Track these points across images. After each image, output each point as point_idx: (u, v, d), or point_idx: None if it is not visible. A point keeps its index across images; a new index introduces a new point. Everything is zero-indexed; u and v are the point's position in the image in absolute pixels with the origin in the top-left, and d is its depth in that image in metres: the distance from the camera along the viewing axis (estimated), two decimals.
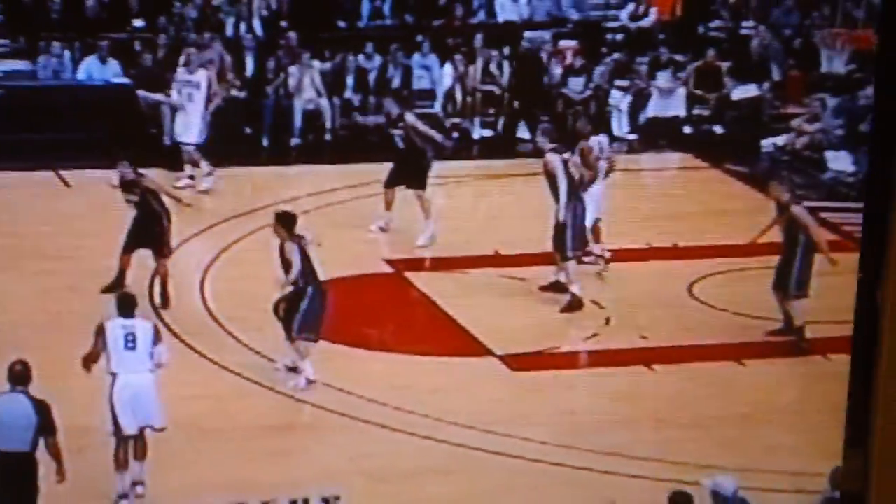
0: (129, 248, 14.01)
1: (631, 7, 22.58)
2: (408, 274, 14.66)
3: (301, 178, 18.43)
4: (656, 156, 20.47)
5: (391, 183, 15.58)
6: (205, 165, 17.38)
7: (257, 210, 16.65)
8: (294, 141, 19.90)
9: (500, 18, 22.24)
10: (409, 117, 15.82)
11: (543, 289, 14.07)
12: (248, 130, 20.04)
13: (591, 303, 14.00)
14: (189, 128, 17.35)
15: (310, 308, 12.07)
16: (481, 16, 22.18)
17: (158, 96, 19.08)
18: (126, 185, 13.98)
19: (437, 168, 15.88)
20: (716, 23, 22.88)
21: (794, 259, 13.25)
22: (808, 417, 12.06)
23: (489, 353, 13.05)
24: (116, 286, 13.47)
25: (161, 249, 13.90)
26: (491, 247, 15.12)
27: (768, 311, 14.08)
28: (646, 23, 22.49)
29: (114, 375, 10.22)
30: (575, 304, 13.80)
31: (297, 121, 19.93)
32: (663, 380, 12.77)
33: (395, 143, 16.24)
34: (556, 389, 12.48)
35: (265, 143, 19.91)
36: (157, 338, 10.45)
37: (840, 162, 19.69)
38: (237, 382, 12.26)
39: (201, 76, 17.45)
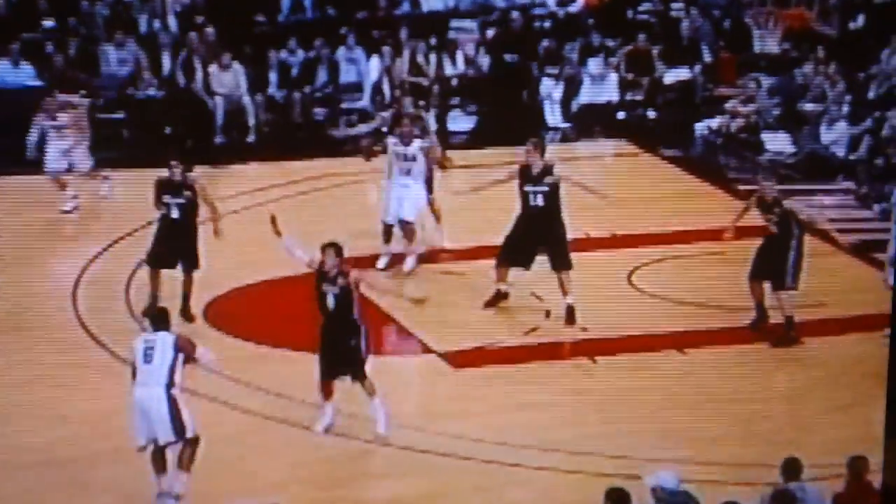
0: (161, 262, 13.79)
1: None
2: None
3: (227, 178, 18.47)
4: (591, 143, 20.74)
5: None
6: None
7: None
8: (218, 139, 19.97)
9: (425, 8, 22.41)
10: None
11: (487, 304, 14.19)
12: (168, 130, 20.08)
13: (531, 295, 14.21)
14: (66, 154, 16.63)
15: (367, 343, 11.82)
16: (406, 6, 22.34)
17: (73, 98, 19.05)
18: (169, 187, 13.76)
19: (366, 164, 15.99)
20: (645, 6, 23.17)
21: (788, 251, 13.50)
22: (754, 407, 12.37)
23: (429, 350, 13.22)
24: (154, 306, 13.40)
25: (195, 262, 13.69)
26: (426, 241, 15.29)
27: (709, 299, 14.41)
28: (574, 8, 22.75)
29: (133, 385, 10.74)
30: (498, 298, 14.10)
31: (219, 119, 20.00)
32: (606, 372, 13.04)
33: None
34: (498, 385, 12.70)
35: (187, 143, 19.96)
36: (178, 348, 10.66)
37: (778, 143, 20.07)
38: None
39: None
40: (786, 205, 13.63)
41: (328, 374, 11.63)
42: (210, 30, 20.47)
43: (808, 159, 19.37)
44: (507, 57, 21.28)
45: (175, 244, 13.74)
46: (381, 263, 14.85)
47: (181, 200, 13.77)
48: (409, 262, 14.92)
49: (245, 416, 11.86)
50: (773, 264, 13.55)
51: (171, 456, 10.78)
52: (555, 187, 14.10)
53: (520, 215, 14.23)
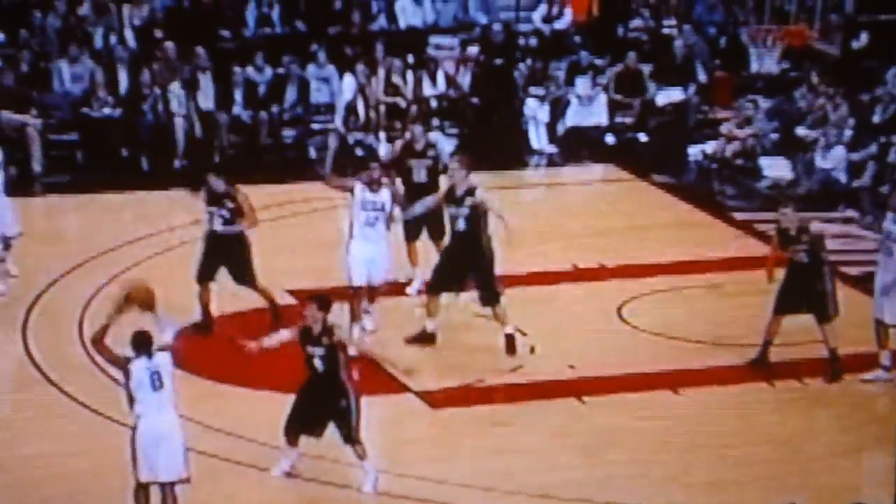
0: (208, 275, 14.13)
1: (543, 8, 22.92)
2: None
3: (186, 205, 18.42)
4: (578, 168, 20.80)
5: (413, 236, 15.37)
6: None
7: (139, 240, 16.72)
8: (177, 163, 19.95)
9: (402, 24, 22.47)
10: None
11: (410, 341, 14.07)
12: (124, 153, 20.05)
13: (515, 330, 14.21)
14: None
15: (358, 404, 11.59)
16: (382, 22, 22.40)
17: (24, 118, 19.06)
18: (214, 199, 14.07)
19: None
20: (635, 22, 23.28)
21: (823, 278, 13.51)
22: (754, 450, 12.37)
23: (406, 389, 13.20)
24: (206, 323, 14.05)
25: (247, 273, 14.03)
26: (404, 273, 15.28)
27: (705, 334, 14.42)
28: (561, 25, 22.84)
29: (139, 417, 10.54)
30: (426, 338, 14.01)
31: (180, 141, 19.99)
32: (594, 412, 13.01)
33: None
34: (480, 427, 12.66)
35: (144, 166, 19.95)
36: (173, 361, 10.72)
37: (776, 169, 20.15)
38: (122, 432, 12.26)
39: None
40: (813, 230, 13.62)
41: (304, 430, 11.55)
42: (170, 45, 20.47)
43: (810, 187, 19.47)
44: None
45: (221, 256, 14.12)
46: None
47: (224, 213, 14.08)
48: (369, 323, 14.23)
49: (208, 459, 11.78)
50: (811, 296, 13.52)
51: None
52: (476, 210, 13.90)
53: (449, 240, 14.34)
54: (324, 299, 11.54)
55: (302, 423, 11.54)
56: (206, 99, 20.15)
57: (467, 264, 13.99)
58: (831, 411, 13.14)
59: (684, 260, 16.44)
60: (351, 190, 14.05)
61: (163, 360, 10.65)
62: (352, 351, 13.35)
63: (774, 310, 13.60)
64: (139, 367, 10.54)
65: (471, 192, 13.99)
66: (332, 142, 19.65)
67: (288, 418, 11.55)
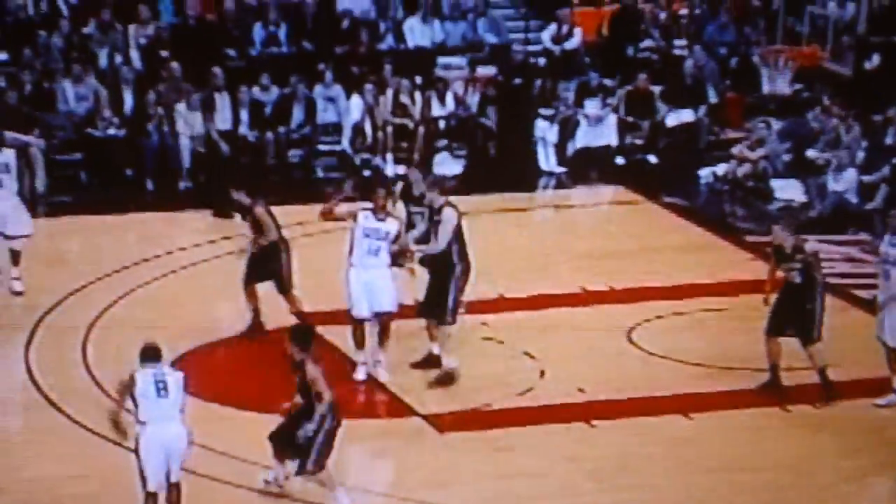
0: (248, 282, 14.54)
1: (553, 28, 22.97)
2: (319, 328, 14.75)
3: (192, 226, 18.49)
4: (587, 190, 20.82)
5: None
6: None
7: (144, 262, 16.75)
8: (183, 184, 19.99)
9: (411, 44, 22.53)
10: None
11: (415, 366, 13.99)
12: (129, 173, 20.10)
13: (524, 354, 14.21)
14: (13, 219, 15.64)
15: (328, 436, 11.29)
16: (389, 41, 22.45)
17: (27, 138, 19.09)
18: (242, 212, 14.57)
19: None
20: (646, 43, 23.33)
21: (814, 301, 13.53)
22: (764, 475, 12.35)
23: (413, 412, 13.20)
24: (257, 326, 14.40)
25: (280, 284, 14.40)
26: (410, 295, 15.27)
27: (715, 358, 14.41)
28: (570, 45, 22.89)
29: (143, 424, 10.68)
30: (447, 379, 13.78)
31: (186, 162, 20.04)
32: (604, 436, 13.01)
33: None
34: (489, 451, 12.65)
35: (149, 186, 20.01)
36: (186, 387, 10.89)
37: (788, 191, 20.16)
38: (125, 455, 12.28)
39: (8, 154, 15.75)
40: (808, 250, 13.62)
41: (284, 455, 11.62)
42: (175, 65, 20.54)
43: (822, 209, 19.48)
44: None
45: (260, 267, 14.51)
46: (359, 375, 13.72)
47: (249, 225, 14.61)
48: (383, 374, 13.78)
49: (213, 483, 11.80)
50: (799, 317, 13.54)
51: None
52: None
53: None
54: (300, 337, 11.36)
55: (283, 453, 11.54)
56: (224, 120, 20.15)
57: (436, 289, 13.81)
58: (841, 436, 13.12)
59: (695, 283, 16.44)
60: (354, 216, 13.71)
61: (172, 373, 10.86)
62: (360, 376, 13.37)
63: (766, 329, 13.65)
64: (144, 375, 10.72)
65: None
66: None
67: (275, 434, 11.56)
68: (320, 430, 11.17)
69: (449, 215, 13.67)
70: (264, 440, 11.60)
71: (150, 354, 10.89)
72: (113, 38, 21.27)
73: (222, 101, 20.18)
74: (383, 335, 13.82)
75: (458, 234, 13.73)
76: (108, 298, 15.66)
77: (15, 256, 15.78)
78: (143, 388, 10.69)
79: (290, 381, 11.53)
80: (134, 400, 10.73)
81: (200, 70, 20.61)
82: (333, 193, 14.69)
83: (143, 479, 10.71)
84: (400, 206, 14.52)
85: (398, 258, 13.80)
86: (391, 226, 13.61)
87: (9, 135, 18.44)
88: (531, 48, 22.86)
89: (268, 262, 14.47)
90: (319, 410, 11.15)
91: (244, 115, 20.57)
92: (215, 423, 12.76)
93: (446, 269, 13.72)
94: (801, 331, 13.52)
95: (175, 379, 10.83)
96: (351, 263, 13.69)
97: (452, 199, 14.10)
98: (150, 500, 10.76)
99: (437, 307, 13.73)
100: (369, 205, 13.69)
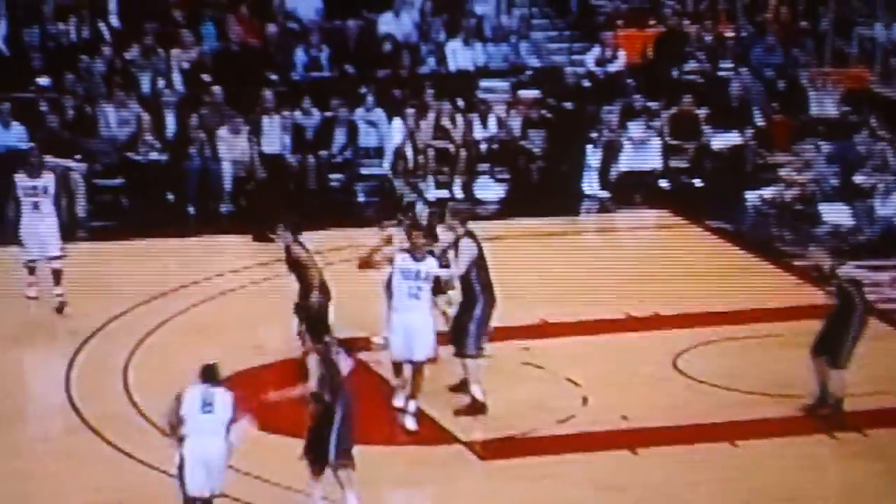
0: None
1: (597, 51, 22.98)
2: (361, 355, 14.79)
3: (233, 250, 18.56)
4: (631, 214, 20.79)
5: None
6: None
7: (185, 288, 16.83)
8: (224, 208, 20.08)
9: (452, 67, 22.58)
10: None
11: (453, 389, 14.03)
12: (170, 197, 20.21)
13: (567, 381, 14.18)
14: (46, 242, 16.23)
15: (343, 428, 11.65)
16: (431, 64, 22.51)
17: (67, 162, 19.25)
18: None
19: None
20: (691, 65, 23.30)
21: (848, 326, 13.50)
22: None
23: (455, 440, 13.19)
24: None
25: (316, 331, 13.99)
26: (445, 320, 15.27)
27: (763, 385, 14.34)
28: (614, 67, 22.88)
29: (185, 438, 11.13)
30: (477, 409, 13.76)
31: (227, 185, 20.13)
32: (649, 465, 12.96)
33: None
34: (530, 479, 12.63)
35: (191, 210, 20.11)
36: (235, 412, 11.25)
37: (836, 215, 20.06)
38: (165, 482, 12.32)
39: (48, 179, 16.35)
40: (841, 275, 13.60)
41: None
42: (217, 89, 20.65)
43: (870, 234, 19.38)
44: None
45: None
46: (397, 402, 13.66)
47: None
48: (410, 422, 13.52)
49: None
50: (832, 339, 13.54)
51: None
52: None
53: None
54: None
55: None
56: (271, 143, 20.18)
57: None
58: (892, 464, 13.02)
59: (742, 309, 16.36)
60: (391, 260, 13.52)
61: (222, 393, 11.21)
62: (399, 402, 13.33)
63: (810, 350, 13.62)
64: (193, 391, 11.19)
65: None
66: None
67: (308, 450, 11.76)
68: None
69: (466, 245, 13.61)
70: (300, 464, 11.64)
71: (206, 374, 11.31)
72: (155, 63, 21.38)
73: (271, 124, 20.20)
74: (415, 383, 13.49)
75: (479, 264, 13.67)
76: (150, 324, 15.75)
77: (56, 276, 16.15)
78: (189, 404, 11.15)
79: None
80: (180, 417, 11.15)
81: (242, 94, 20.73)
82: (377, 246, 14.44)
83: (182, 486, 11.09)
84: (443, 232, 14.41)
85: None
86: (429, 265, 13.33)
87: (49, 160, 18.71)
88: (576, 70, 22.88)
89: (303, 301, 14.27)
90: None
91: (286, 139, 20.65)
92: (257, 449, 12.78)
93: (469, 300, 13.70)
94: (830, 352, 13.50)
95: (223, 398, 11.19)
96: (393, 308, 13.48)
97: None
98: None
99: (458, 340, 13.68)
100: (405, 245, 13.52)
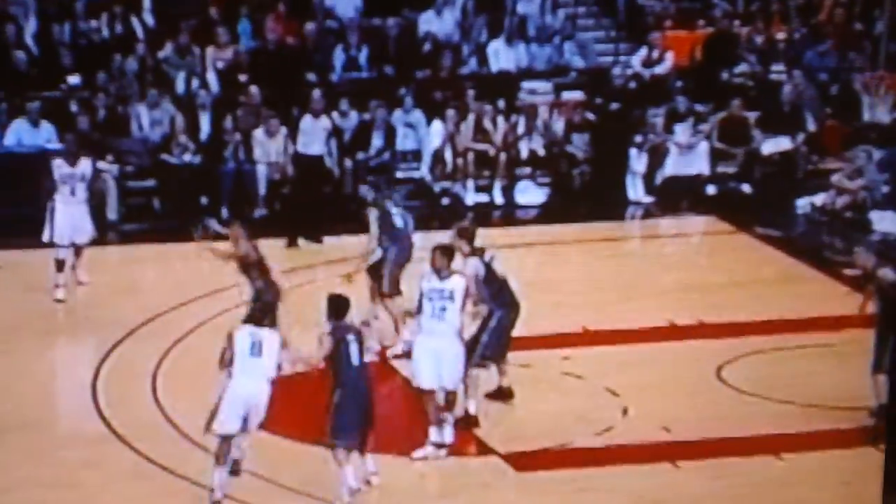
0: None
1: (643, 52, 22.89)
2: (394, 362, 14.78)
3: (267, 255, 18.52)
4: (677, 220, 20.70)
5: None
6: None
7: (217, 292, 16.82)
8: (258, 212, 20.08)
9: (494, 68, 22.53)
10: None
11: (489, 396, 13.98)
12: (203, 201, 20.23)
13: (606, 391, 14.11)
14: (80, 227, 16.86)
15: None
16: (472, 65, 22.47)
17: (100, 164, 19.29)
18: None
19: (427, 239, 16.00)
20: (741, 67, 23.19)
21: (885, 331, 13.43)
22: None
23: (491, 451, 13.14)
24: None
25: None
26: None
27: (810, 397, 14.23)
28: (661, 69, 22.79)
29: (231, 376, 11.90)
30: (469, 423, 13.67)
31: (261, 189, 20.14)
32: (690, 478, 12.86)
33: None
34: (567, 492, 12.56)
35: (224, 214, 20.12)
36: (282, 348, 12.13)
37: (887, 223, 19.92)
38: (198, 493, 12.32)
39: (85, 166, 16.99)
40: (880, 276, 13.53)
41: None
42: (254, 89, 20.67)
43: None
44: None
45: None
46: (434, 436, 13.07)
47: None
48: (448, 433, 13.13)
49: None
50: (875, 344, 13.48)
51: None
52: None
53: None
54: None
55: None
56: (313, 144, 19.58)
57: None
58: None
59: (790, 318, 16.26)
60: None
61: (270, 336, 11.99)
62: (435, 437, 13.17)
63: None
64: (242, 333, 11.97)
65: None
66: None
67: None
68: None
69: (470, 265, 13.53)
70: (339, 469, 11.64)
71: (254, 318, 12.34)
72: (190, 62, 21.42)
73: (315, 125, 20.04)
74: (449, 403, 13.24)
75: (489, 280, 13.62)
76: (182, 329, 15.78)
77: (78, 252, 16.92)
78: (240, 345, 11.88)
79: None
80: (231, 356, 11.88)
81: (280, 95, 20.73)
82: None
83: (217, 422, 11.79)
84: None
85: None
86: (455, 283, 12.97)
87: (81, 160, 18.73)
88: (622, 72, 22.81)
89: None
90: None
91: (331, 142, 20.59)
92: (283, 457, 12.79)
93: (486, 316, 13.68)
94: (874, 356, 13.43)
95: (271, 341, 11.94)
96: (419, 330, 13.20)
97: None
98: (224, 443, 11.88)
99: (469, 350, 13.44)
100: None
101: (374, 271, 15.35)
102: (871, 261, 13.63)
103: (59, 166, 16.80)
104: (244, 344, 11.92)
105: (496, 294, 13.73)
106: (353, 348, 12.00)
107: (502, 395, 14.03)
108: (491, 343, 13.71)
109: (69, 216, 16.73)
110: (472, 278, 13.30)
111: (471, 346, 13.48)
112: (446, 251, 13.22)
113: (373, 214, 15.32)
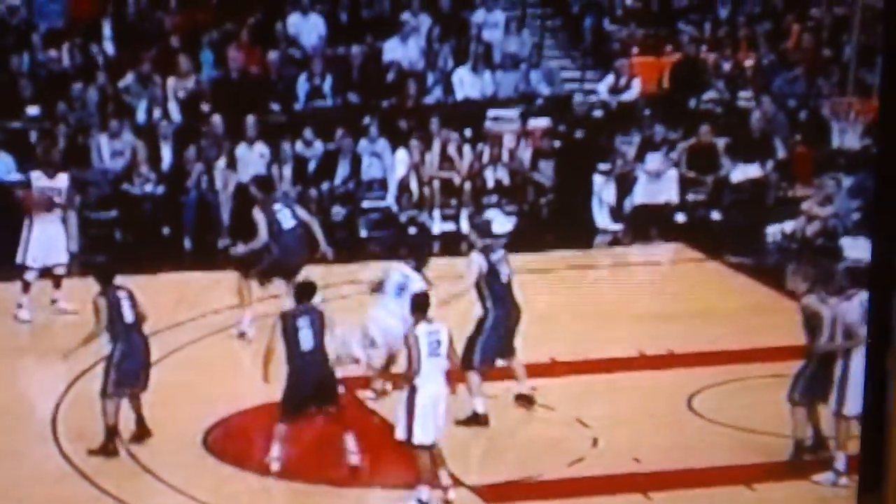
0: None
1: (610, 79, 22.98)
2: (359, 392, 14.75)
3: (231, 286, 18.49)
4: (646, 248, 20.75)
5: None
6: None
7: (179, 325, 16.78)
8: (222, 242, 20.05)
9: (459, 96, 22.58)
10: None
11: (460, 423, 13.95)
12: (166, 231, 20.20)
13: (577, 421, 14.11)
14: (54, 248, 16.94)
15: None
16: (437, 94, 22.52)
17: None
18: None
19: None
20: (709, 94, 23.29)
21: (808, 357, 13.50)
22: None
23: (460, 483, 13.12)
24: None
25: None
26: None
27: (782, 427, 14.22)
28: (628, 96, 22.89)
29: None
30: (479, 422, 13.92)
31: (225, 219, 20.11)
32: None
33: None
34: None
35: (187, 245, 20.09)
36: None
37: (859, 250, 19.98)
38: None
39: (63, 180, 17.09)
40: (803, 303, 13.58)
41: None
42: (217, 119, 20.66)
43: None
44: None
45: None
46: (423, 495, 12.56)
47: None
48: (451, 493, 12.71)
49: None
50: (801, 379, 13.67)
51: None
52: None
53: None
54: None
55: None
56: (248, 171, 19.89)
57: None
58: None
59: (761, 347, 16.28)
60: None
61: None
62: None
63: None
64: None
65: None
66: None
67: None
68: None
69: (474, 259, 14.05)
70: None
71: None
72: (151, 91, 21.41)
73: (250, 152, 20.08)
74: (441, 461, 12.75)
75: (489, 279, 13.99)
76: None
77: (57, 282, 16.95)
78: (420, 342, 12.13)
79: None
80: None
81: (243, 124, 20.74)
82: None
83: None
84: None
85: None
86: (441, 327, 12.58)
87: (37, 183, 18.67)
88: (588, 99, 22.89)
89: None
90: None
91: (287, 170, 20.64)
92: (252, 493, 12.74)
93: (482, 315, 14.03)
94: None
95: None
96: (415, 377, 12.53)
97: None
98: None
99: (466, 352, 13.77)
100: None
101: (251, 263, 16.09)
102: (802, 286, 13.61)
103: (38, 178, 16.85)
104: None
105: (496, 295, 13.99)
106: (304, 333, 12.61)
107: (477, 421, 14.07)
108: (489, 344, 13.96)
109: (44, 237, 16.77)
110: (473, 273, 13.86)
111: (467, 348, 13.72)
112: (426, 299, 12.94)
113: (259, 215, 16.04)
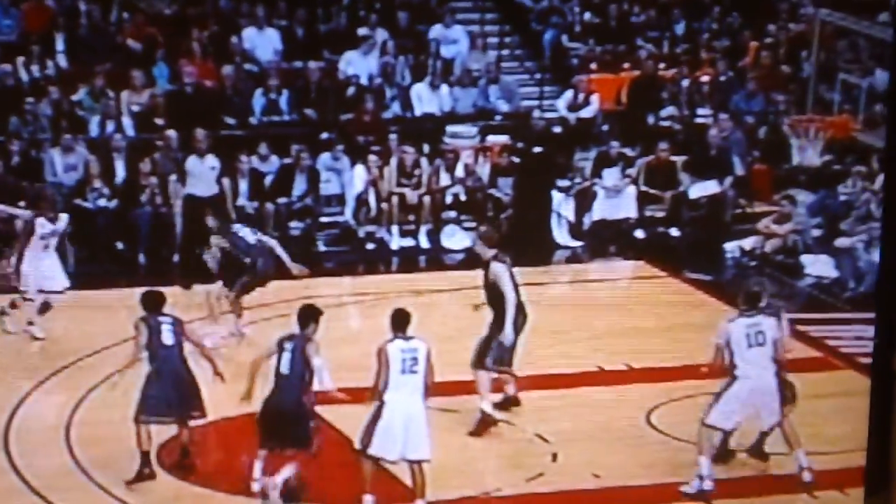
0: None
1: (569, 96, 23.08)
2: (317, 408, 14.71)
3: (186, 301, 18.47)
4: (605, 264, 20.82)
5: None
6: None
7: (133, 339, 16.71)
8: (177, 258, 20.01)
9: (418, 111, 22.63)
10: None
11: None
12: (120, 246, 20.15)
13: (536, 436, 14.14)
14: (51, 276, 16.99)
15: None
16: (395, 109, 22.57)
17: (12, 210, 19.16)
18: None
19: (352, 285, 16.11)
20: (668, 111, 23.41)
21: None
22: None
23: (415, 498, 13.12)
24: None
25: None
26: None
27: (742, 443, 14.33)
28: (587, 113, 22.99)
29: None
30: (487, 423, 14.12)
31: (180, 235, 20.07)
32: None
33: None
34: None
35: (141, 260, 20.05)
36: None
37: (819, 267, 20.14)
38: None
39: (63, 221, 17.21)
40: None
41: None
42: (171, 133, 20.64)
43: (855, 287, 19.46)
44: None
45: None
46: None
47: None
48: None
49: None
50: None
51: None
52: None
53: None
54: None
55: None
56: (206, 187, 19.95)
57: None
58: None
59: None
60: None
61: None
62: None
63: None
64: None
65: None
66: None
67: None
68: None
69: (498, 269, 14.48)
70: None
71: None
72: (105, 106, 21.38)
73: (201, 165, 20.08)
74: (420, 482, 12.87)
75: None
76: (95, 378, 15.63)
77: (44, 308, 16.95)
78: (392, 359, 12.29)
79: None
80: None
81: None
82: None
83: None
84: None
85: None
86: (419, 345, 12.76)
87: None
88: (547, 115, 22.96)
89: None
90: None
91: (243, 185, 20.64)
92: None
93: (499, 318, 14.44)
94: None
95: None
96: (384, 389, 12.71)
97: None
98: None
99: (480, 352, 14.31)
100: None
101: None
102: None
103: (42, 225, 16.85)
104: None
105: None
106: (166, 329, 13.36)
107: (510, 403, 14.54)
108: (502, 352, 14.43)
109: (40, 268, 16.78)
110: (507, 282, 14.46)
111: (482, 348, 14.21)
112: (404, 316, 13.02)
113: (221, 241, 16.60)
